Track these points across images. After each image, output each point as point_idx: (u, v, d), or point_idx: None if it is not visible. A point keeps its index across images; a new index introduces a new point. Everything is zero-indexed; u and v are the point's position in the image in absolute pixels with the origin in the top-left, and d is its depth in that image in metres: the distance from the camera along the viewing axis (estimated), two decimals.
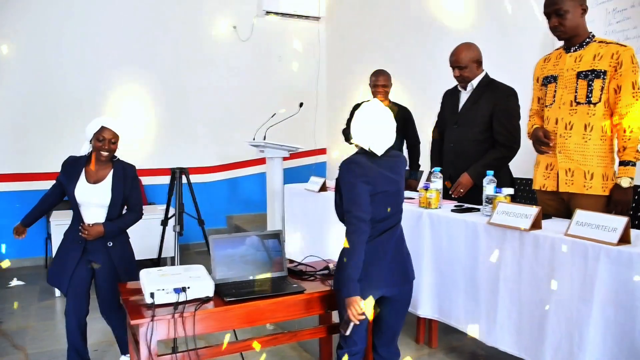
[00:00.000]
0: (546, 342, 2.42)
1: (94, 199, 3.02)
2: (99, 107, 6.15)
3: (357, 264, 2.19)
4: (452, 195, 3.43)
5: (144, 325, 2.21)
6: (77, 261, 3.03)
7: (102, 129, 2.97)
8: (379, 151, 2.30)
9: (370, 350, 2.56)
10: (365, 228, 2.21)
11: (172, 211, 3.70)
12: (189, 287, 2.33)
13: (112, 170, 3.08)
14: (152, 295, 2.28)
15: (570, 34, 2.76)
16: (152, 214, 5.20)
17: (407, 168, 4.59)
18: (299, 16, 7.22)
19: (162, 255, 4.07)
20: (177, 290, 2.31)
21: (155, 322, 2.22)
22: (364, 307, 2.19)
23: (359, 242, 2.20)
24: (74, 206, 3.04)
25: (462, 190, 3.39)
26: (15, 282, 5.02)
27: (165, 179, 6.34)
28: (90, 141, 3.02)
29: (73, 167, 3.06)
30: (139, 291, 2.46)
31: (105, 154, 3.00)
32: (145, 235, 5.03)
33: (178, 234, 3.47)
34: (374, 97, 4.37)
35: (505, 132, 3.37)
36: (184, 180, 3.62)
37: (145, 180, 6.55)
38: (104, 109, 6.22)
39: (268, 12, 6.99)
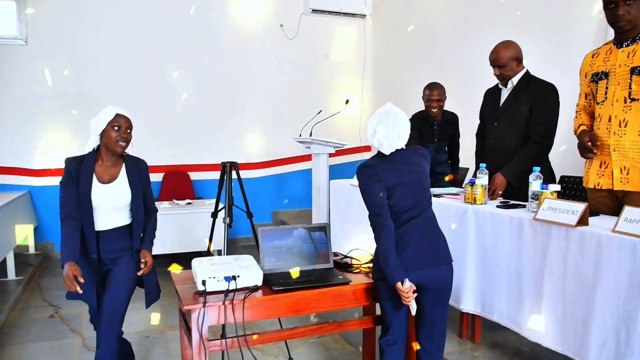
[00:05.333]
0: (591, 339, 2.40)
1: (112, 200, 2.72)
2: (149, 104, 6.36)
3: (386, 255, 2.33)
4: (491, 199, 3.39)
5: (196, 311, 2.32)
6: (96, 273, 2.72)
7: (117, 116, 2.68)
8: (387, 151, 2.41)
9: (413, 342, 2.60)
10: (383, 221, 2.35)
11: (221, 204, 3.81)
12: (238, 276, 2.43)
13: (123, 166, 2.78)
14: (203, 282, 2.40)
15: (634, 24, 2.69)
16: (201, 208, 5.36)
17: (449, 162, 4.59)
18: (345, 14, 7.29)
19: (211, 248, 4.19)
20: (228, 279, 2.41)
21: (207, 308, 2.33)
22: (407, 287, 2.31)
23: (382, 236, 2.35)
24: (85, 211, 2.67)
25: (500, 192, 3.37)
26: None
27: (213, 174, 6.55)
28: (101, 134, 2.69)
29: (80, 168, 2.69)
30: (190, 279, 2.58)
31: (122, 144, 2.69)
32: (193, 228, 5.20)
33: (228, 225, 3.58)
34: (426, 110, 4.37)
35: (538, 128, 3.35)
36: (234, 175, 3.73)
37: (194, 176, 6.76)
38: (156, 106, 6.43)
39: (314, 10, 7.09)
